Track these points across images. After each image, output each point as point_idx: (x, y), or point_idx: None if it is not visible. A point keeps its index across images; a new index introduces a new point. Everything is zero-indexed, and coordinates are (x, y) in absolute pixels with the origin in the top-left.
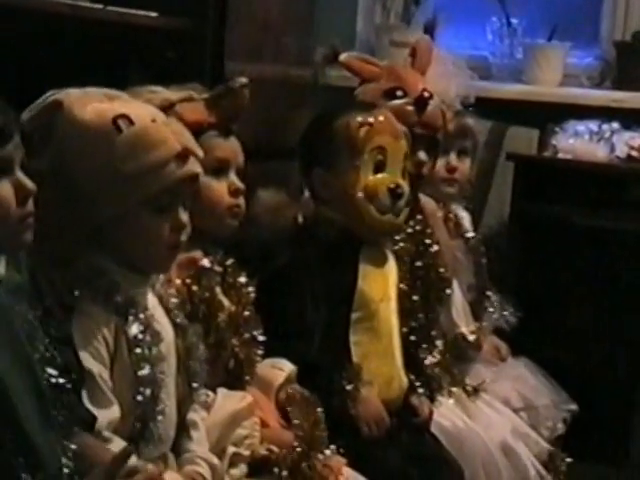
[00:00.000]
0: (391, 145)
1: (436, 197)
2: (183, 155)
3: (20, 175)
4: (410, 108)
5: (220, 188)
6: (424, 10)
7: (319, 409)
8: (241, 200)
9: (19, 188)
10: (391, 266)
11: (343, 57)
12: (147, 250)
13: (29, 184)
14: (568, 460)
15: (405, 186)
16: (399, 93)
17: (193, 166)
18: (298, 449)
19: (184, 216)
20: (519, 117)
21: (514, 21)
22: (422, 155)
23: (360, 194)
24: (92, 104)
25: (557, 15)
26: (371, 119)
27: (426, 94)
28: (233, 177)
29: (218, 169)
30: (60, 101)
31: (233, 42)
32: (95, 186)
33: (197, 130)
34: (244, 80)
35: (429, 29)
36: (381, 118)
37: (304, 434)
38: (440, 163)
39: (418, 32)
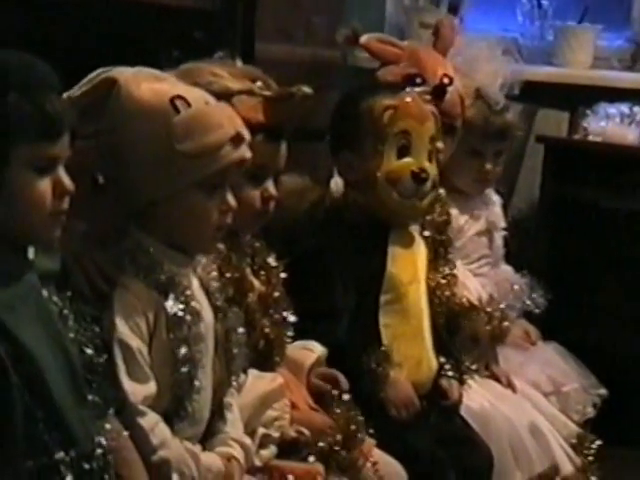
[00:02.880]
0: (416, 129)
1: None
2: (237, 139)
3: (62, 174)
4: (428, 97)
5: (253, 194)
6: None
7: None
8: (271, 206)
9: (58, 186)
10: (420, 248)
11: (364, 39)
12: (195, 230)
13: (68, 183)
14: (597, 442)
15: (431, 169)
16: (418, 80)
17: (245, 150)
18: (336, 437)
19: (231, 199)
20: (549, 100)
21: (545, 3)
22: (439, 143)
23: (383, 179)
24: (146, 83)
25: None
26: (395, 102)
27: (446, 80)
28: (268, 184)
29: (255, 174)
30: (115, 78)
31: (263, 23)
32: (150, 165)
33: (248, 128)
34: (309, 90)
35: (453, 9)
36: (407, 100)
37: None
38: (474, 167)
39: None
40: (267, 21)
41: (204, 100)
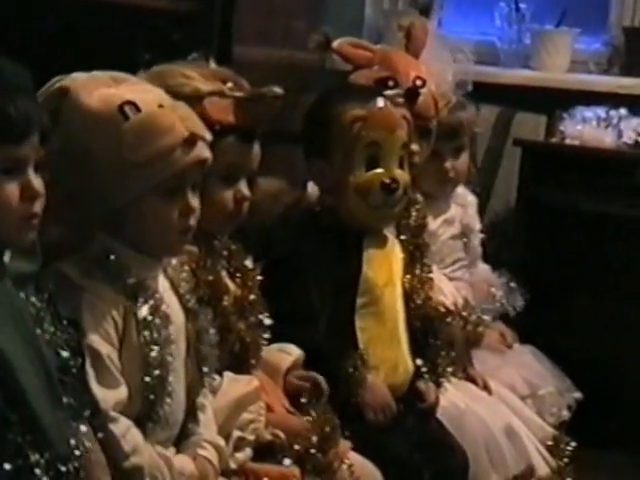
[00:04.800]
0: (386, 139)
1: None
2: (191, 140)
3: (31, 176)
4: (401, 100)
5: (226, 195)
6: None
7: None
8: (245, 207)
9: (26, 189)
10: (395, 251)
11: (335, 44)
12: (157, 235)
13: (37, 186)
14: (573, 445)
15: (402, 176)
16: (390, 83)
17: (201, 151)
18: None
19: (193, 200)
20: (527, 103)
21: (522, 6)
22: (414, 145)
23: (352, 190)
24: (98, 90)
25: (565, 1)
26: (365, 112)
27: (418, 82)
28: (241, 185)
29: (228, 175)
30: (66, 87)
31: (241, 25)
32: (105, 174)
33: (219, 130)
34: (279, 91)
35: (425, 11)
36: (376, 110)
37: (317, 427)
38: (434, 168)
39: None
40: (245, 23)
41: (157, 103)
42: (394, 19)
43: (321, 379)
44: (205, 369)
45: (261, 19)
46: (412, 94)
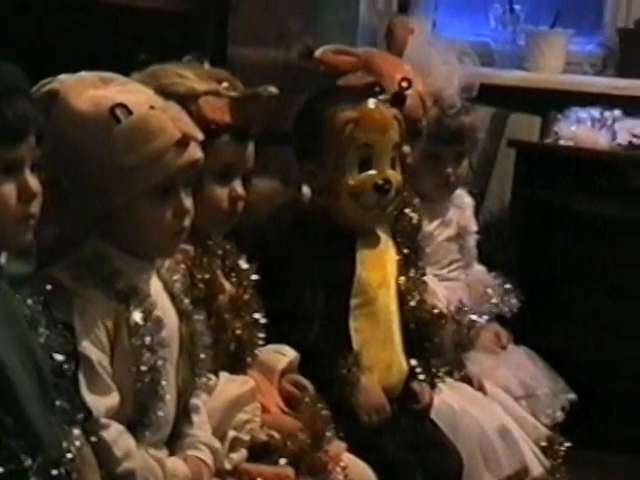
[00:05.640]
0: (378, 141)
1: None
2: (183, 142)
3: (27, 176)
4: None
5: (221, 194)
6: None
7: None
8: (240, 206)
9: (23, 189)
10: (389, 252)
11: (318, 53)
12: (151, 236)
13: (34, 186)
14: (567, 444)
15: (394, 177)
16: (377, 89)
17: (194, 152)
18: (304, 440)
19: (187, 201)
20: (521, 104)
21: (517, 7)
22: (405, 147)
23: (345, 192)
24: (87, 92)
25: (560, 2)
26: (356, 114)
27: (404, 84)
28: (236, 184)
29: (223, 174)
30: (55, 90)
31: (235, 26)
32: (96, 176)
33: (214, 129)
34: (274, 90)
35: (404, 8)
36: (368, 112)
37: (310, 427)
38: (434, 172)
39: (419, 18)
40: (240, 24)
41: (149, 104)
42: (388, 20)
43: (309, 386)
44: (198, 371)
45: (256, 19)
46: (399, 98)
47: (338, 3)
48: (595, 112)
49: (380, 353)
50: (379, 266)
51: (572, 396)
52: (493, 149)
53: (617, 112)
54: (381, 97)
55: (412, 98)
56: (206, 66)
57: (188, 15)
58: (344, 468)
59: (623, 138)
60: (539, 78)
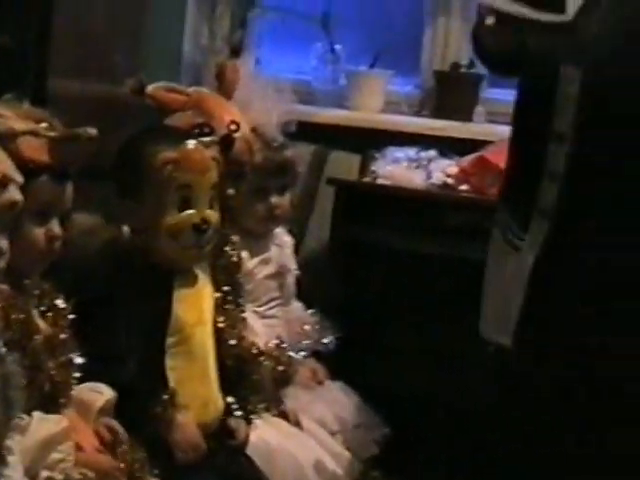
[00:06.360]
0: (198, 181)
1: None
2: (2, 183)
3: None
4: (216, 147)
5: (38, 234)
6: (250, 34)
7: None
8: (57, 245)
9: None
10: (206, 290)
11: (149, 89)
12: None
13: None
14: (378, 476)
15: (212, 217)
16: (205, 130)
17: (12, 194)
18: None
19: (2, 242)
20: (341, 142)
21: (337, 47)
22: (230, 190)
23: (165, 231)
24: None
25: (379, 43)
26: (176, 155)
27: (233, 127)
28: (53, 223)
29: (40, 213)
30: None
31: (57, 59)
32: None
33: (32, 169)
34: (93, 132)
35: (235, 51)
36: (187, 153)
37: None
38: (260, 205)
39: (243, 57)
40: (61, 57)
41: None
42: (212, 56)
43: (120, 428)
44: (13, 412)
45: (77, 52)
46: (227, 141)
47: (161, 38)
48: (411, 152)
49: (197, 390)
50: (196, 304)
51: (386, 430)
52: (313, 186)
53: (432, 152)
54: (210, 138)
55: (239, 141)
56: (25, 105)
57: (7, 49)
58: None
59: (437, 178)
60: (358, 117)
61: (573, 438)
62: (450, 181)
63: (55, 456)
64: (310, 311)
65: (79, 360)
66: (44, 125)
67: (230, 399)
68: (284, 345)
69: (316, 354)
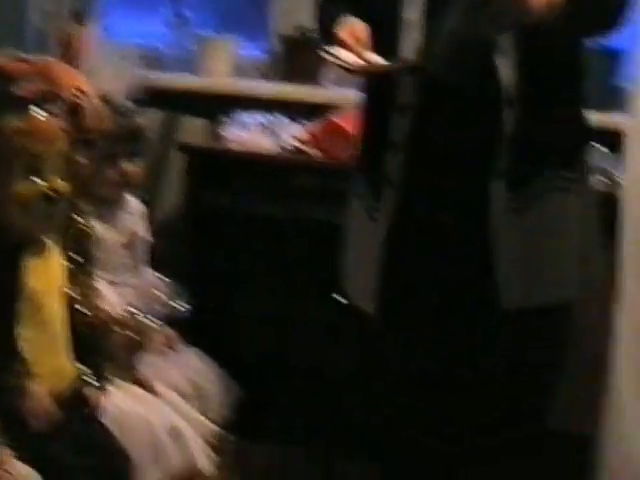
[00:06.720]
0: (46, 151)
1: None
2: None
3: None
4: (62, 115)
5: None
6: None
7: None
8: None
9: None
10: (56, 259)
11: None
12: None
13: None
14: (235, 441)
15: (63, 187)
16: (51, 98)
17: None
18: None
19: None
20: (191, 108)
21: (186, 12)
22: (80, 158)
23: (13, 202)
24: None
25: (228, 8)
26: (24, 125)
27: (80, 95)
28: None
29: None
30: None
31: None
32: None
33: None
34: None
35: (78, 18)
36: (36, 122)
37: None
38: (111, 171)
39: (90, 22)
40: None
41: None
42: (56, 23)
43: None
44: None
45: None
46: (74, 108)
47: (4, 5)
48: (260, 117)
49: (49, 359)
50: (46, 274)
51: (240, 393)
52: (164, 153)
53: (282, 117)
54: (56, 106)
55: (88, 109)
56: None
57: None
58: (11, 475)
59: (287, 142)
60: (208, 83)
61: (430, 401)
62: (300, 145)
63: None
64: (162, 278)
65: None
66: None
67: (83, 367)
68: (136, 312)
69: (170, 321)
